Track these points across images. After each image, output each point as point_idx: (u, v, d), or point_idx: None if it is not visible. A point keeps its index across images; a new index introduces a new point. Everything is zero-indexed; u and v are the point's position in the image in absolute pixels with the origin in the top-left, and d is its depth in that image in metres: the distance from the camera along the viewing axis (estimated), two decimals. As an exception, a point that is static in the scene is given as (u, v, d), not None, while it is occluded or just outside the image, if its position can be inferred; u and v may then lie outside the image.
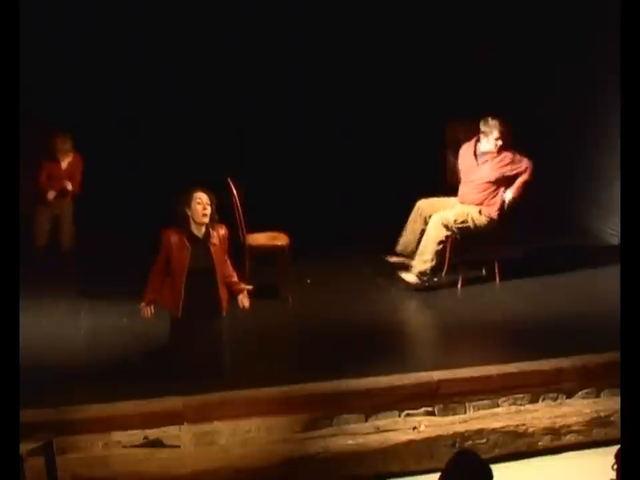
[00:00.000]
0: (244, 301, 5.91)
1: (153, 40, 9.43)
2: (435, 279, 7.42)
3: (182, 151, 9.52)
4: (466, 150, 7.53)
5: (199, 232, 5.64)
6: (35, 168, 8.11)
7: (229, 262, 5.88)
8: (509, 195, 7.43)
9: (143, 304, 5.72)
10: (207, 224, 5.62)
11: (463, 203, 7.50)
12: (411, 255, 7.50)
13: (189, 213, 5.59)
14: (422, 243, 7.31)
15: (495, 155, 7.37)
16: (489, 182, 7.40)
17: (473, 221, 7.34)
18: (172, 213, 5.68)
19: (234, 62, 9.78)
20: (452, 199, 7.58)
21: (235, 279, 5.92)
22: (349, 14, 9.94)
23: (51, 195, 8.27)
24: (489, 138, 7.34)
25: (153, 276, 5.72)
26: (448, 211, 7.36)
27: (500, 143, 7.33)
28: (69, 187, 8.30)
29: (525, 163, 7.43)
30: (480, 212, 7.38)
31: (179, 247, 5.60)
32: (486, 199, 7.42)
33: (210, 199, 5.62)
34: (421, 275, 7.29)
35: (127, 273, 7.49)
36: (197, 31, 9.65)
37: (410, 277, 7.32)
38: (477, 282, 7.58)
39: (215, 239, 5.67)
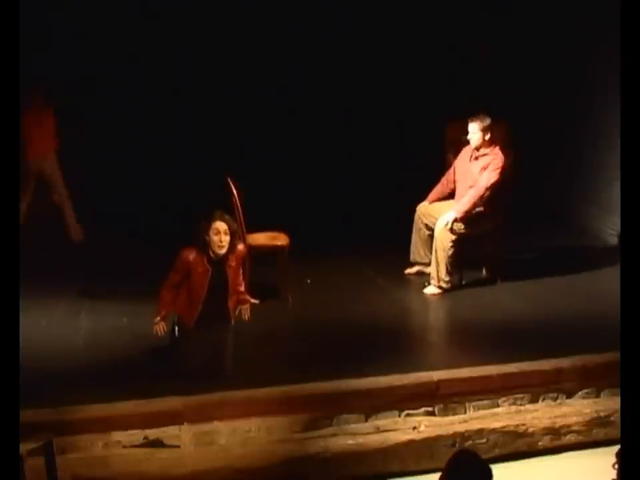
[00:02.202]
0: (245, 312, 5.96)
1: (152, 40, 9.42)
2: (456, 281, 7.43)
3: (182, 151, 9.52)
4: (464, 155, 7.49)
5: (218, 257, 5.69)
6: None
7: (241, 273, 5.96)
8: (450, 214, 7.21)
9: (157, 319, 5.71)
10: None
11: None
12: (425, 262, 7.55)
13: (209, 240, 5.64)
14: (433, 255, 7.32)
15: (489, 157, 7.29)
16: (487, 188, 7.32)
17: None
18: (193, 237, 5.77)
19: (234, 61, 9.78)
20: (450, 202, 7.57)
21: (243, 288, 6.02)
22: (349, 14, 9.94)
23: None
24: (475, 133, 7.27)
25: (166, 291, 5.74)
26: (449, 215, 7.35)
27: (485, 136, 7.24)
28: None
29: (483, 183, 7.24)
30: (452, 220, 7.27)
31: (199, 270, 5.69)
32: (485, 203, 7.38)
33: (229, 228, 5.67)
34: (442, 283, 7.31)
35: (127, 273, 7.51)
36: (197, 31, 9.65)
37: (432, 289, 7.35)
38: (477, 282, 7.57)
39: (232, 262, 5.75)
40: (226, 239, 5.67)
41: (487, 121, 7.26)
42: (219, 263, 5.71)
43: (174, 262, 5.76)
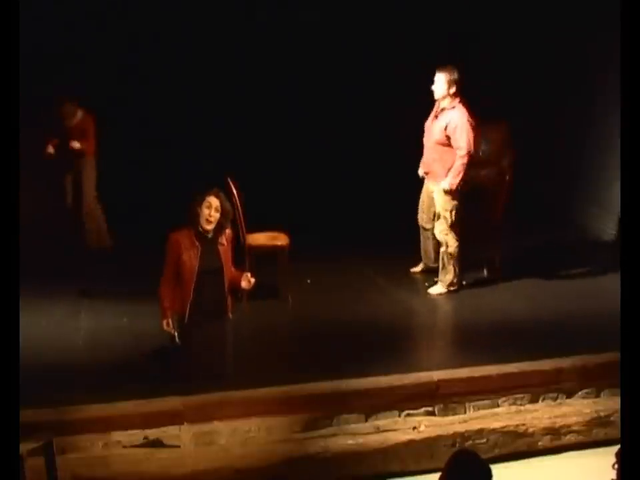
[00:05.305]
0: (246, 282, 5.80)
1: (153, 40, 9.42)
2: (463, 282, 7.46)
3: (182, 152, 9.52)
4: (430, 115, 7.31)
5: (208, 232, 5.64)
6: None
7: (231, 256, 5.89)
8: (444, 184, 7.09)
9: (164, 322, 5.66)
10: (215, 227, 5.63)
11: (428, 175, 7.31)
12: (435, 267, 7.54)
13: (199, 213, 5.60)
14: (440, 259, 7.34)
15: (448, 116, 7.04)
16: (438, 142, 7.13)
17: (453, 200, 7.18)
18: (187, 211, 5.71)
19: (235, 62, 9.77)
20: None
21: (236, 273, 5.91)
22: (350, 15, 9.94)
23: (50, 149, 8.30)
24: (439, 82, 7.05)
25: (164, 288, 5.66)
26: (439, 222, 7.26)
27: (450, 89, 7.00)
28: (76, 145, 8.34)
29: (462, 145, 6.99)
30: (446, 188, 7.13)
31: (188, 248, 5.60)
32: (444, 165, 7.12)
33: (221, 206, 5.62)
34: (449, 285, 7.34)
35: (127, 273, 7.51)
36: (199, 31, 9.65)
37: (438, 289, 7.36)
38: (477, 282, 7.58)
39: (223, 240, 5.69)
40: (215, 215, 5.59)
41: (455, 74, 7.05)
42: (209, 243, 5.64)
43: (166, 254, 5.68)
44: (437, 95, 7.14)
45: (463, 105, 7.10)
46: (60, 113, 8.34)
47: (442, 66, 7.11)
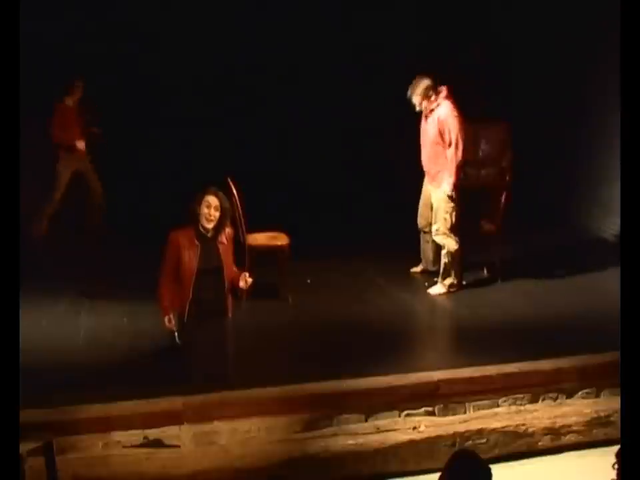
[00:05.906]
0: (243, 282, 5.74)
1: (153, 39, 9.42)
2: (463, 282, 7.48)
3: (182, 152, 9.52)
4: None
5: (208, 231, 5.63)
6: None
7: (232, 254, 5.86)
8: (445, 188, 7.12)
9: (166, 318, 5.64)
10: (215, 225, 5.62)
11: (429, 179, 7.35)
12: (434, 270, 7.54)
13: (199, 212, 5.59)
14: (441, 261, 7.35)
15: (436, 115, 7.11)
16: (432, 142, 7.17)
17: (452, 202, 7.22)
18: (187, 210, 5.69)
19: (236, 62, 9.77)
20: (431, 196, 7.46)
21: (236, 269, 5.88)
22: (350, 16, 9.94)
23: (81, 144, 8.58)
24: (415, 97, 7.11)
25: (163, 287, 5.63)
26: (438, 225, 7.27)
27: (428, 96, 7.05)
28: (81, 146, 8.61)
29: (455, 137, 7.05)
30: (449, 193, 7.18)
31: (188, 247, 5.58)
32: (440, 166, 7.17)
33: (221, 205, 5.60)
34: (450, 287, 7.36)
35: (127, 273, 7.50)
36: (199, 31, 9.65)
37: (439, 289, 7.37)
38: (477, 282, 7.58)
39: (223, 238, 5.68)
40: (215, 214, 5.58)
41: (424, 83, 7.07)
42: (209, 242, 5.64)
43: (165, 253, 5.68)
44: (418, 108, 7.17)
45: (449, 99, 7.12)
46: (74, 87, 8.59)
47: (409, 84, 7.13)
